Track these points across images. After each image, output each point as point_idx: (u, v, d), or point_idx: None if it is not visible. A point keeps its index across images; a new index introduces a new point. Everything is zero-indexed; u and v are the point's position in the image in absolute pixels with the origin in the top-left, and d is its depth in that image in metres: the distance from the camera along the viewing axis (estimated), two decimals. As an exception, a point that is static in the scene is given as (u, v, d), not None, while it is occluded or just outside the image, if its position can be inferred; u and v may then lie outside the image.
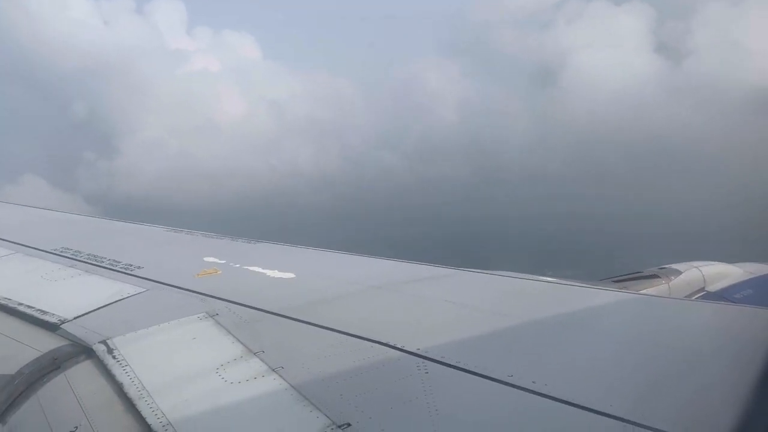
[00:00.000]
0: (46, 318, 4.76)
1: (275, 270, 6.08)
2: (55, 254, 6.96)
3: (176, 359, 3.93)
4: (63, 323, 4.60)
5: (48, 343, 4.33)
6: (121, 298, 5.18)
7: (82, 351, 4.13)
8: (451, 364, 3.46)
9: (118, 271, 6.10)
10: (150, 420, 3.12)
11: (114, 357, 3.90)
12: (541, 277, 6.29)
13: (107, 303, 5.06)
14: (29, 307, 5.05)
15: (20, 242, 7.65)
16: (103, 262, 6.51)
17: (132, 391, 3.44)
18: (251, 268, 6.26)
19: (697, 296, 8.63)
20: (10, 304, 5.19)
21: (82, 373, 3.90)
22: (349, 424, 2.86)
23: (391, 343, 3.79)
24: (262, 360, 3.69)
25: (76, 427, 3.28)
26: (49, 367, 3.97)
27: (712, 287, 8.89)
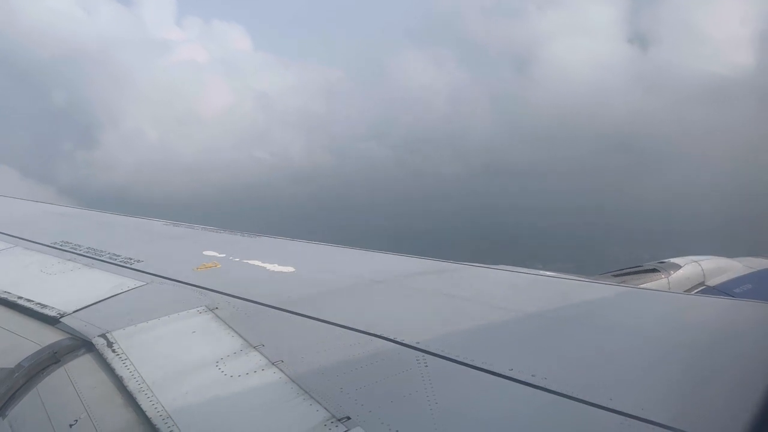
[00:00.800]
0: (46, 311, 4.75)
1: (275, 264, 6.08)
2: (54, 248, 6.95)
3: (176, 353, 3.93)
4: (62, 317, 4.60)
5: (47, 336, 4.33)
6: (121, 291, 5.18)
7: (82, 344, 4.13)
8: (451, 357, 3.46)
9: (118, 265, 6.09)
10: (150, 413, 3.12)
11: (114, 350, 3.90)
12: (541, 272, 6.29)
13: (107, 296, 5.05)
14: (29, 300, 5.05)
15: (19, 236, 7.65)
16: (102, 255, 6.50)
17: (132, 385, 3.44)
18: (251, 262, 6.26)
19: (696, 291, 8.62)
20: (10, 298, 5.19)
21: (81, 366, 3.90)
22: (348, 418, 2.86)
23: (391, 337, 3.79)
24: (261, 353, 3.69)
25: (77, 420, 3.29)
26: (48, 360, 3.97)
27: (712, 282, 8.89)
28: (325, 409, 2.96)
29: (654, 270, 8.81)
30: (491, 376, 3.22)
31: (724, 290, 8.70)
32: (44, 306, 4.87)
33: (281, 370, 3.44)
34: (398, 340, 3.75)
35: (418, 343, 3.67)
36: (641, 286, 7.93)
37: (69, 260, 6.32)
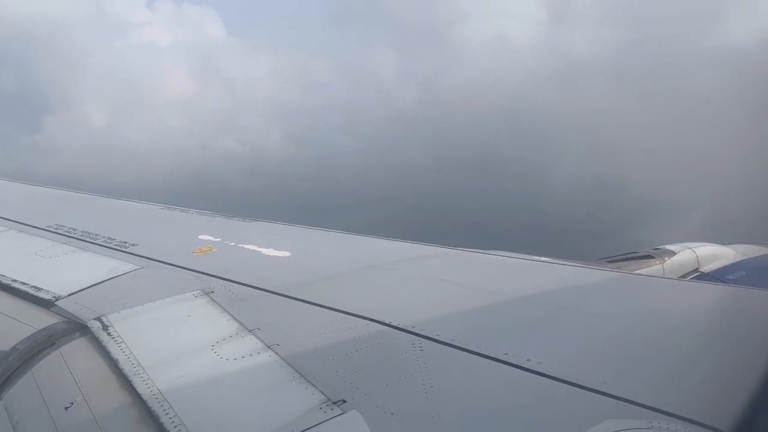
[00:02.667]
0: (41, 295, 4.74)
1: (271, 248, 6.07)
2: (49, 231, 6.92)
3: (172, 336, 3.93)
4: (57, 300, 4.59)
5: (42, 319, 4.32)
6: (116, 275, 5.17)
7: (77, 328, 4.13)
8: (446, 341, 3.47)
9: (113, 248, 6.07)
10: (145, 396, 3.13)
11: (109, 334, 3.89)
12: (536, 257, 6.31)
13: (102, 280, 5.04)
14: (23, 283, 5.03)
15: (13, 219, 7.60)
16: (97, 239, 6.48)
17: (127, 368, 3.44)
18: (247, 246, 6.25)
19: (690, 277, 8.69)
20: (4, 281, 5.17)
21: (77, 349, 3.90)
22: (344, 401, 2.87)
23: (387, 321, 3.80)
24: (257, 337, 3.69)
25: (72, 403, 3.29)
26: (43, 343, 3.96)
27: (706, 268, 8.96)
28: (321, 392, 2.97)
29: (649, 256, 8.87)
30: (486, 360, 3.24)
31: (718, 277, 8.77)
32: (39, 289, 4.86)
33: (277, 353, 3.45)
34: (394, 324, 3.76)
35: (414, 327, 3.68)
36: (636, 272, 7.98)
37: (64, 243, 6.29)
